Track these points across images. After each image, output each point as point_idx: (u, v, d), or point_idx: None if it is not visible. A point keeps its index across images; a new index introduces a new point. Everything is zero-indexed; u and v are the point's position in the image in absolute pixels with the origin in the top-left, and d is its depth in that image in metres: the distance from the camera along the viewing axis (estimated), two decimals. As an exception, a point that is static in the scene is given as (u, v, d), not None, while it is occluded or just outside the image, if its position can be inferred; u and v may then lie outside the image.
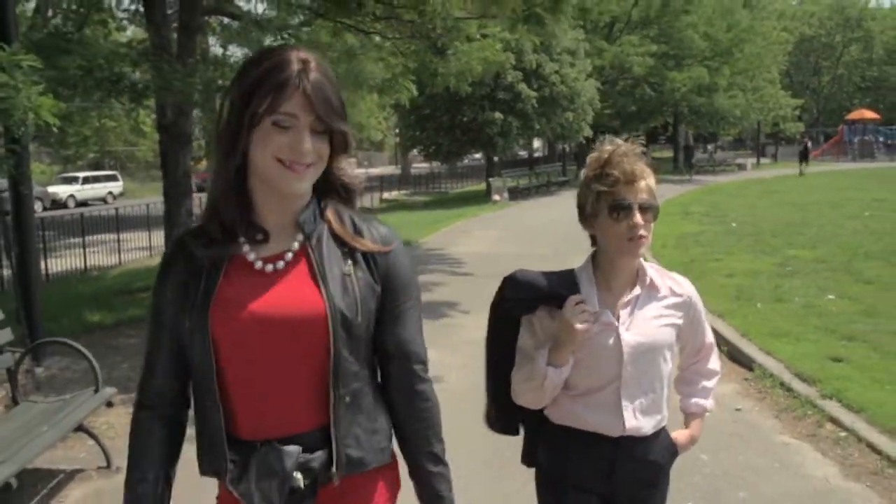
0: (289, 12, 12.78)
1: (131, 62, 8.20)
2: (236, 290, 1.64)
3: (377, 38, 11.03)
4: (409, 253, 1.91)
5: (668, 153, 46.52)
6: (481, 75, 11.63)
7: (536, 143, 47.03)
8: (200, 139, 15.61)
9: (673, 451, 2.33)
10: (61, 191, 34.91)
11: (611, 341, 2.15)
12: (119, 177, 40.99)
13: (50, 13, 16.51)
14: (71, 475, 4.87)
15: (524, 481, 2.39)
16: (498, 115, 26.36)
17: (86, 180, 36.69)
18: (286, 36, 10.66)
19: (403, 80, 10.71)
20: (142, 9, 13.14)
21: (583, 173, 2.22)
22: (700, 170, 40.79)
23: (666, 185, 29.25)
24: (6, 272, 12.16)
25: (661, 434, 2.28)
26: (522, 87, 26.00)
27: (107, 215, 21.12)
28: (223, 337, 1.63)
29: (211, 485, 1.80)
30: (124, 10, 13.41)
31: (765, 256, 12.54)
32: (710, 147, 59.53)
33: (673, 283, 2.27)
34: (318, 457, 1.66)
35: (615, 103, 35.55)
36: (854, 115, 56.63)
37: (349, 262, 1.69)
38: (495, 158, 32.21)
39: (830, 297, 9.25)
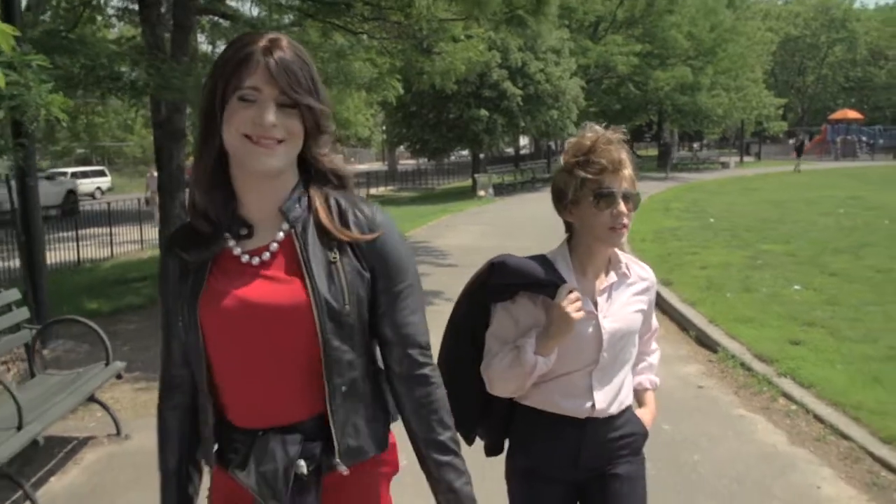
0: (279, 13, 13.18)
1: (131, 61, 8.56)
2: (223, 284, 1.65)
3: (365, 38, 11.43)
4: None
5: (654, 151, 47.09)
6: (465, 75, 12.05)
7: (523, 141, 47.46)
8: (189, 136, 16.00)
9: (642, 429, 2.34)
10: (49, 186, 35.05)
11: (590, 329, 2.15)
12: (107, 172, 41.15)
13: (42, 11, 16.79)
14: (84, 441, 5.29)
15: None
16: (483, 112, 26.83)
17: (74, 176, 36.90)
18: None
19: (390, 79, 11.13)
20: (134, 6, 13.51)
21: (562, 159, 2.21)
22: (683, 168, 41.39)
23: (648, 181, 29.79)
24: (8, 263, 12.54)
25: (625, 413, 2.29)
26: (508, 85, 26.46)
27: (98, 210, 21.45)
28: (212, 330, 1.65)
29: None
30: (117, 9, 13.70)
31: (738, 250, 13.03)
32: (695, 145, 60.21)
33: (639, 269, 2.30)
34: (318, 445, 1.67)
35: (600, 101, 36.06)
36: (837, 114, 57.28)
37: (335, 248, 1.67)
38: (481, 155, 32.70)
39: (796, 287, 9.74)
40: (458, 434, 1.80)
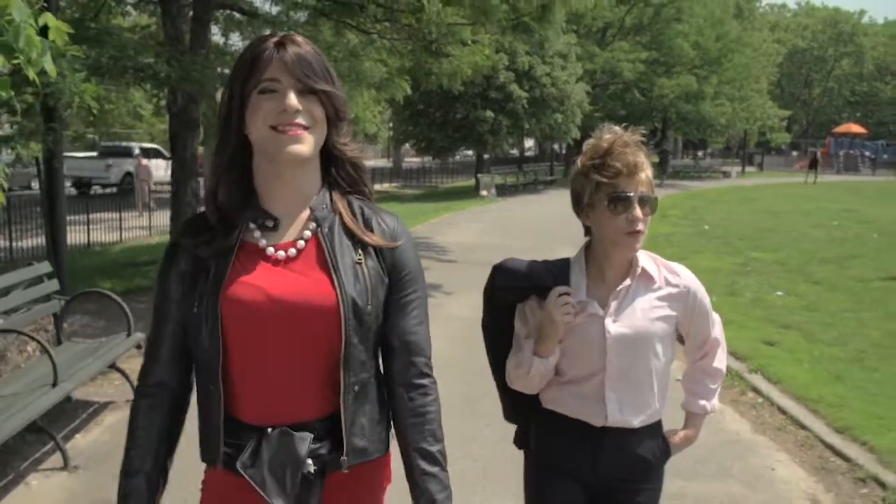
0: (294, 10, 13.63)
1: (155, 53, 9.02)
2: (247, 277, 1.65)
3: (376, 38, 11.89)
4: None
5: (656, 158, 47.53)
6: (471, 77, 12.50)
7: (529, 143, 47.88)
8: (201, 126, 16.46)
9: (665, 449, 2.28)
10: (61, 170, 35.47)
11: (596, 332, 2.12)
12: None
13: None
14: (104, 405, 5.76)
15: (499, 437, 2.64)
16: (489, 113, 27.29)
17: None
18: (288, 31, 11.50)
19: (399, 79, 11.59)
20: (155, -1, 13.95)
21: (579, 161, 2.16)
22: (685, 176, 41.85)
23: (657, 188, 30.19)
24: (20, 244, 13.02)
25: (652, 429, 2.23)
26: (514, 87, 26.90)
27: (108, 194, 21.89)
28: (233, 322, 1.64)
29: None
30: (142, 2, 14.15)
31: (728, 257, 13.50)
32: (699, 154, 60.59)
33: (669, 274, 2.21)
34: (326, 444, 1.69)
35: (605, 107, 36.47)
36: (841, 128, 57.66)
37: (359, 250, 1.70)
38: (485, 156, 33.16)
39: (779, 293, 10.20)
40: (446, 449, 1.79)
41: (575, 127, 29.79)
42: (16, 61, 4.00)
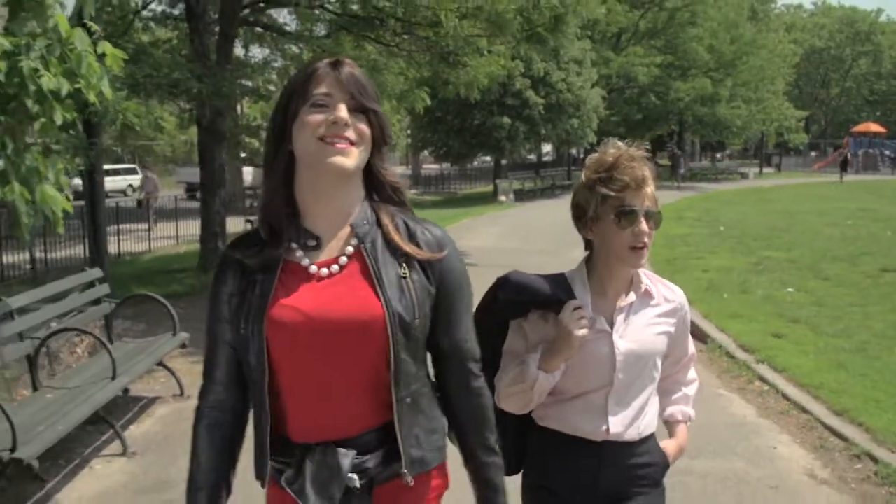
0: (313, 23, 14.12)
1: (188, 71, 9.51)
2: (290, 296, 1.67)
3: (395, 50, 12.36)
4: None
5: (667, 161, 47.76)
6: (487, 86, 12.93)
7: (547, 148, 48.23)
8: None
9: (663, 461, 2.28)
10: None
11: (604, 348, 2.11)
12: (138, 170, 42.31)
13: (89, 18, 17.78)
14: (153, 400, 6.22)
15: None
16: (506, 119, 27.74)
17: (107, 173, 38.01)
18: (315, 49, 11.99)
19: (419, 91, 12.04)
20: (172, 11, 14.49)
21: (583, 175, 2.16)
22: (702, 178, 42.06)
23: (665, 191, 30.50)
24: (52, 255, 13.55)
25: (647, 441, 2.23)
26: (530, 93, 27.32)
27: (133, 206, 22.44)
28: (278, 342, 1.66)
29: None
30: (165, 17, 14.70)
31: (742, 256, 13.81)
32: (717, 156, 60.65)
33: (666, 291, 2.24)
34: (373, 458, 1.70)
35: (621, 111, 36.81)
36: (860, 128, 57.41)
37: (404, 264, 1.70)
38: (503, 161, 33.57)
39: (789, 290, 10.52)
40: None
41: (591, 132, 30.16)
42: (77, 85, 4.47)
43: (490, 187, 32.37)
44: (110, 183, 37.42)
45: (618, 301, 2.15)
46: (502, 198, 28.29)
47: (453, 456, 1.88)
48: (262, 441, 1.72)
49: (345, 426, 1.69)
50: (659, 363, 2.21)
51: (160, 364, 6.18)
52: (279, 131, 1.69)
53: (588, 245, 2.21)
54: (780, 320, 8.72)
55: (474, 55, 12.05)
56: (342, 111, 1.64)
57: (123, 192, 36.77)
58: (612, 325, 2.13)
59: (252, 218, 19.54)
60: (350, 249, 1.70)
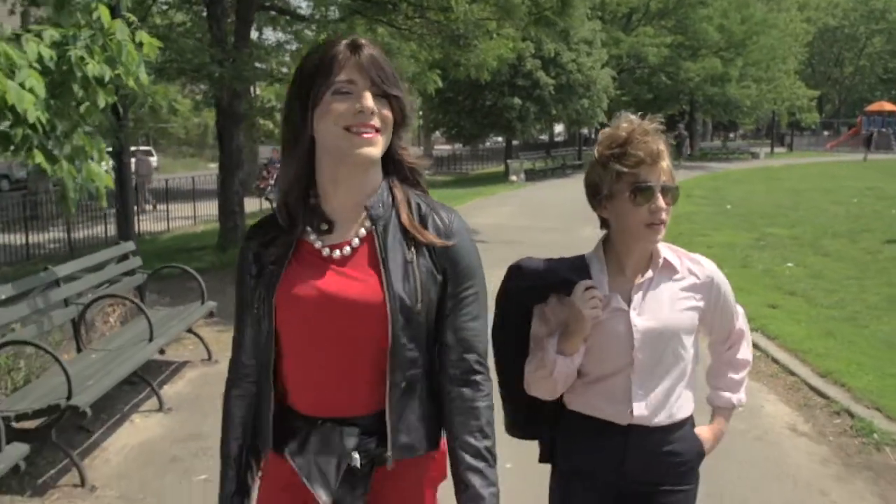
0: (326, 6, 14.47)
1: (209, 55, 9.91)
2: (302, 276, 1.70)
3: (407, 33, 12.72)
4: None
5: (672, 141, 47.78)
6: (496, 68, 13.28)
7: (559, 129, 48.40)
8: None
9: (698, 448, 2.20)
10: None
11: (621, 327, 2.06)
12: (153, 152, 42.80)
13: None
14: (183, 364, 6.68)
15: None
16: (517, 100, 28.04)
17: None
18: (329, 33, 12.37)
19: (431, 74, 12.41)
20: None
21: (596, 151, 2.08)
22: (713, 157, 42.23)
23: (677, 170, 30.68)
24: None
25: (680, 427, 2.15)
26: (541, 74, 27.60)
27: (154, 188, 22.91)
28: (286, 320, 1.70)
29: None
30: (182, 2, 15.06)
31: (745, 233, 14.16)
32: (731, 135, 60.60)
33: (692, 264, 2.14)
34: (375, 439, 1.71)
35: (631, 91, 36.96)
36: (874, 106, 57.13)
37: (412, 249, 1.70)
38: (514, 141, 33.89)
39: (789, 265, 10.89)
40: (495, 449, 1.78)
41: (601, 112, 30.39)
42: (117, 72, 4.89)
43: (501, 167, 32.69)
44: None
45: (637, 278, 2.09)
46: (513, 178, 28.65)
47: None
48: (265, 414, 1.78)
49: (351, 405, 1.71)
50: (688, 341, 2.11)
51: (189, 331, 6.62)
52: (299, 118, 1.68)
53: (604, 223, 2.15)
54: (777, 293, 9.11)
55: (484, 38, 12.41)
56: (368, 100, 1.63)
57: (137, 173, 37.36)
58: (629, 302, 2.07)
59: (271, 196, 19.97)
60: (363, 231, 1.71)
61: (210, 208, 19.73)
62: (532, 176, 30.07)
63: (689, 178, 28.34)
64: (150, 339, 5.47)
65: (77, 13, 4.69)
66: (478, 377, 1.76)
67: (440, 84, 13.07)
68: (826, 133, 61.44)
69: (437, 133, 37.97)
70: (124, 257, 6.69)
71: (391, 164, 1.77)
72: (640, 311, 2.07)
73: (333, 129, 1.64)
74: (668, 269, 2.11)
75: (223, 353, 6.83)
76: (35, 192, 19.04)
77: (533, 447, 2.33)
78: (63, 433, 4.62)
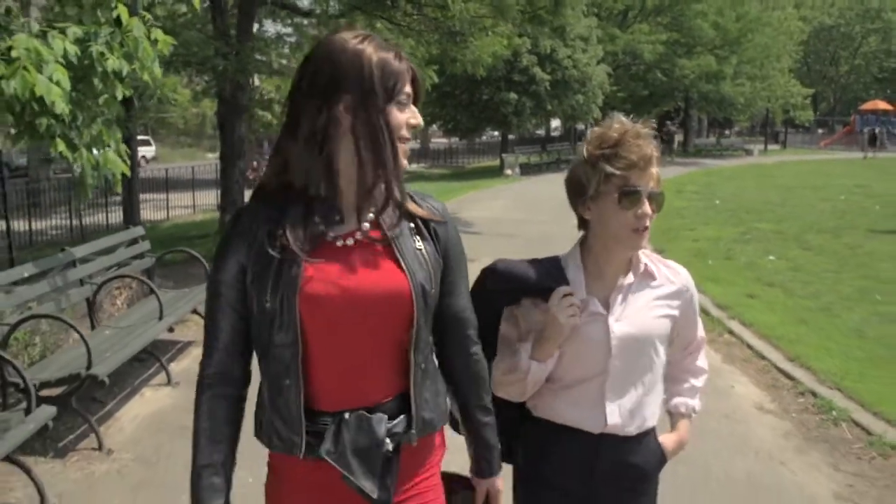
0: (328, 3, 14.80)
1: (214, 49, 10.24)
2: (321, 269, 1.67)
3: (406, 30, 13.05)
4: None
5: (679, 137, 48.28)
6: (491, 65, 13.64)
7: (555, 123, 48.78)
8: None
9: (661, 457, 2.20)
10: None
11: (599, 333, 2.02)
12: (151, 142, 43.02)
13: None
14: (188, 343, 7.04)
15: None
16: (513, 95, 28.44)
17: None
18: (327, 28, 12.69)
19: (427, 70, 12.74)
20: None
21: (585, 150, 2.04)
22: (707, 154, 42.65)
23: (669, 166, 31.15)
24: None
25: (647, 436, 2.15)
26: (537, 70, 27.97)
27: (151, 177, 23.22)
28: (309, 315, 1.66)
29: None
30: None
31: (732, 227, 14.55)
32: (726, 132, 61.02)
33: (668, 271, 2.14)
34: (400, 422, 1.74)
35: (627, 87, 37.34)
36: (868, 105, 57.44)
37: (417, 238, 1.77)
38: (510, 136, 34.27)
39: (771, 258, 11.28)
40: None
41: (596, 107, 30.78)
42: (133, 66, 5.24)
43: (497, 161, 33.06)
44: (125, 154, 38.41)
45: (615, 282, 2.06)
46: (508, 171, 29.03)
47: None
48: (293, 415, 1.69)
49: (374, 393, 1.73)
50: (661, 349, 2.10)
51: (195, 312, 6.98)
52: (370, 118, 1.66)
53: (583, 224, 2.11)
54: (757, 284, 9.49)
55: (480, 34, 12.74)
56: (418, 117, 1.74)
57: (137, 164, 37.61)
58: (608, 307, 2.04)
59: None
60: (371, 217, 1.73)
61: (208, 197, 20.13)
62: (527, 170, 30.46)
63: (682, 174, 28.74)
64: (160, 318, 5.83)
65: (98, 11, 5.03)
66: (476, 348, 1.91)
67: (436, 80, 13.40)
68: (821, 131, 61.77)
69: (434, 127, 38.27)
70: (133, 241, 7.05)
71: None
72: (619, 316, 2.03)
73: (392, 139, 1.68)
74: (647, 276, 2.09)
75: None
76: (37, 179, 19.38)
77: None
78: (80, 403, 4.97)
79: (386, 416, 1.71)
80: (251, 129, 20.98)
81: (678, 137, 44.89)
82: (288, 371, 1.68)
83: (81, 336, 4.66)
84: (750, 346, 7.01)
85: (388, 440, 1.70)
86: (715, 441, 4.98)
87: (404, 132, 1.70)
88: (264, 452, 1.80)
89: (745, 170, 31.97)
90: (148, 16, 5.31)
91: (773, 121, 54.99)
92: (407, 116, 1.71)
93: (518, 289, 2.09)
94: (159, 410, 5.48)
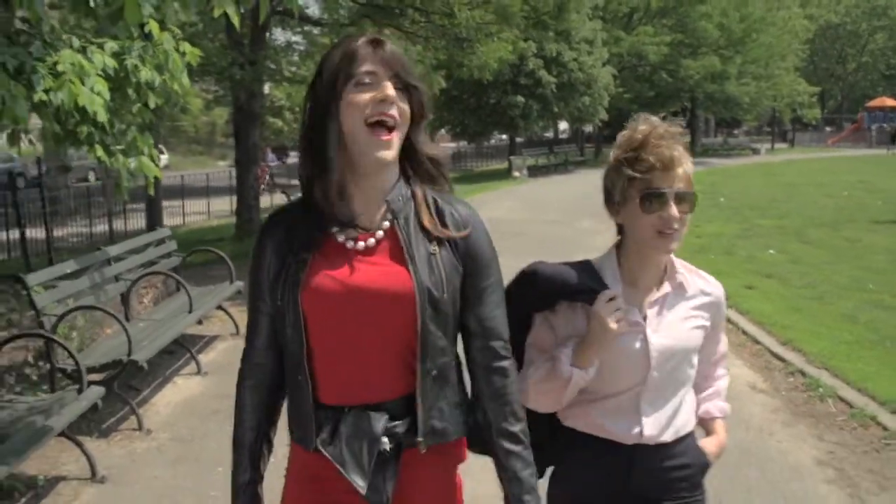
0: (337, 12, 15.27)
1: (230, 59, 10.70)
2: (327, 269, 1.71)
3: (414, 37, 13.50)
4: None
5: (686, 137, 48.49)
6: (496, 70, 14.07)
7: (563, 125, 49.12)
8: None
9: (703, 460, 2.14)
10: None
11: (637, 344, 1.98)
12: (164, 150, 43.47)
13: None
14: (214, 337, 7.47)
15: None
16: (520, 98, 28.89)
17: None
18: (337, 36, 13.14)
19: (434, 74, 13.20)
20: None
21: (612, 154, 2.03)
22: (714, 153, 42.94)
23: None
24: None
25: (684, 442, 2.10)
26: (543, 73, 28.37)
27: (169, 184, 23.62)
28: (313, 314, 1.70)
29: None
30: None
31: (734, 224, 14.91)
32: (735, 132, 61.26)
33: (703, 283, 2.11)
34: (403, 423, 1.73)
35: (633, 88, 37.69)
36: (874, 102, 57.55)
37: (434, 242, 1.75)
38: (518, 139, 34.70)
39: (771, 251, 11.64)
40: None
41: (602, 109, 31.20)
42: (163, 77, 5.67)
43: (505, 164, 33.45)
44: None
45: (650, 292, 2.02)
46: (516, 174, 29.45)
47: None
48: (305, 409, 1.76)
49: (377, 391, 1.74)
50: (695, 360, 2.08)
51: (219, 308, 7.41)
52: (323, 110, 1.71)
53: (619, 230, 2.08)
54: (756, 276, 9.86)
55: (486, 40, 13.18)
56: (389, 89, 1.66)
57: (107, 175, 37.83)
58: (644, 318, 2.00)
59: (287, 190, 20.71)
60: (386, 224, 1.74)
61: (222, 204, 20.56)
62: (535, 172, 30.88)
63: (688, 173, 29.02)
64: (190, 311, 6.25)
65: (131, 27, 5.46)
66: (505, 363, 1.81)
67: (443, 84, 13.87)
68: (828, 129, 61.90)
69: (443, 131, 38.72)
70: (161, 241, 7.49)
71: (412, 158, 1.80)
72: (656, 327, 2.00)
73: (357, 123, 1.67)
74: (682, 286, 2.05)
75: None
76: (55, 188, 19.88)
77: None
78: (120, 388, 5.39)
79: (386, 415, 1.72)
80: (262, 136, 21.52)
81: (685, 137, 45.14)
82: (297, 366, 1.75)
83: (123, 325, 5.08)
84: (745, 332, 7.38)
85: (385, 438, 1.71)
86: (708, 416, 5.36)
87: (370, 111, 1.67)
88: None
89: (750, 168, 32.31)
90: (177, 30, 5.72)
91: (781, 119, 55.18)
92: (371, 95, 1.67)
93: (556, 292, 2.02)
94: (191, 397, 5.90)
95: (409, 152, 1.78)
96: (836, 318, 7.67)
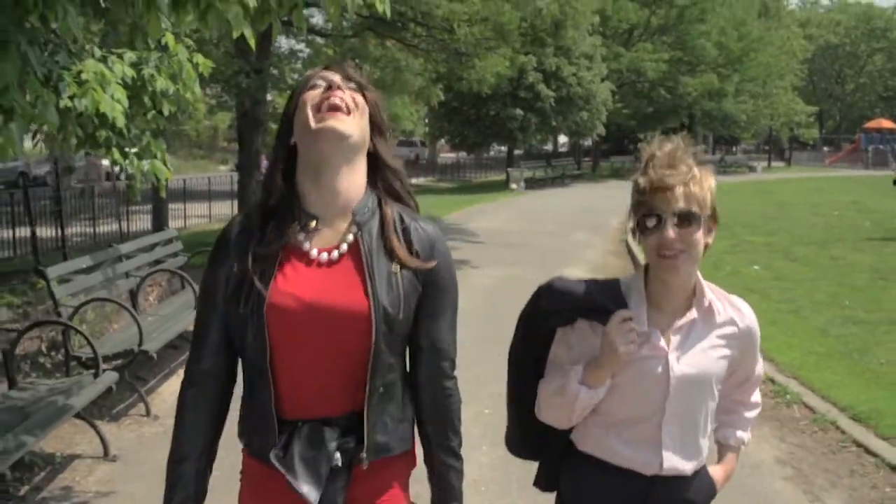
0: (340, 24, 15.67)
1: (239, 67, 11.09)
2: (290, 282, 1.72)
3: (415, 50, 13.92)
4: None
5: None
6: (495, 84, 14.48)
7: (563, 139, 49.58)
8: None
9: (711, 489, 2.12)
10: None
11: (658, 369, 1.93)
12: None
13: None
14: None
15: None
16: (519, 111, 29.39)
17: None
18: (342, 46, 13.56)
19: (434, 87, 13.61)
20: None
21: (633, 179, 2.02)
22: (710, 170, 43.39)
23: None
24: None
25: (700, 473, 2.07)
26: (542, 87, 28.86)
27: (171, 188, 23.89)
28: (275, 325, 1.70)
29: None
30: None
31: (723, 240, 15.18)
32: (733, 149, 61.71)
33: (734, 312, 2.06)
34: (352, 439, 1.76)
35: (631, 104, 38.20)
36: (872, 123, 57.99)
37: (396, 261, 1.76)
38: (517, 151, 35.16)
39: (755, 267, 12.01)
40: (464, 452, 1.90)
41: (600, 124, 31.67)
42: (176, 86, 6.04)
43: (504, 176, 33.87)
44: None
45: (676, 316, 1.97)
46: (513, 185, 29.89)
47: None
48: (266, 417, 1.75)
49: (328, 407, 1.75)
50: (716, 390, 2.02)
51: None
52: (285, 128, 1.79)
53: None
54: (738, 290, 10.00)
55: (485, 55, 13.59)
56: (335, 77, 1.74)
57: (87, 178, 38.13)
58: (668, 343, 1.94)
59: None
60: (350, 238, 1.75)
61: (223, 208, 20.92)
62: (532, 184, 31.32)
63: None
64: (194, 308, 6.59)
65: (148, 39, 5.83)
66: (450, 382, 1.87)
67: (442, 97, 14.27)
68: (826, 149, 62.37)
69: (443, 141, 39.19)
70: (168, 241, 7.85)
71: (376, 169, 1.83)
72: (680, 355, 1.94)
73: (305, 113, 1.71)
74: (710, 313, 1.99)
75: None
76: (59, 188, 20.19)
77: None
78: (130, 377, 5.75)
79: (338, 430, 1.74)
80: (263, 143, 21.90)
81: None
82: (259, 375, 1.74)
83: (134, 317, 5.45)
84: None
85: (338, 454, 1.73)
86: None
87: (318, 99, 1.73)
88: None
89: (746, 186, 32.64)
90: (190, 42, 6.09)
91: (779, 138, 55.67)
92: (320, 89, 1.74)
93: (574, 309, 1.99)
94: (195, 387, 6.25)
95: (374, 164, 1.83)
96: (808, 330, 8.03)
